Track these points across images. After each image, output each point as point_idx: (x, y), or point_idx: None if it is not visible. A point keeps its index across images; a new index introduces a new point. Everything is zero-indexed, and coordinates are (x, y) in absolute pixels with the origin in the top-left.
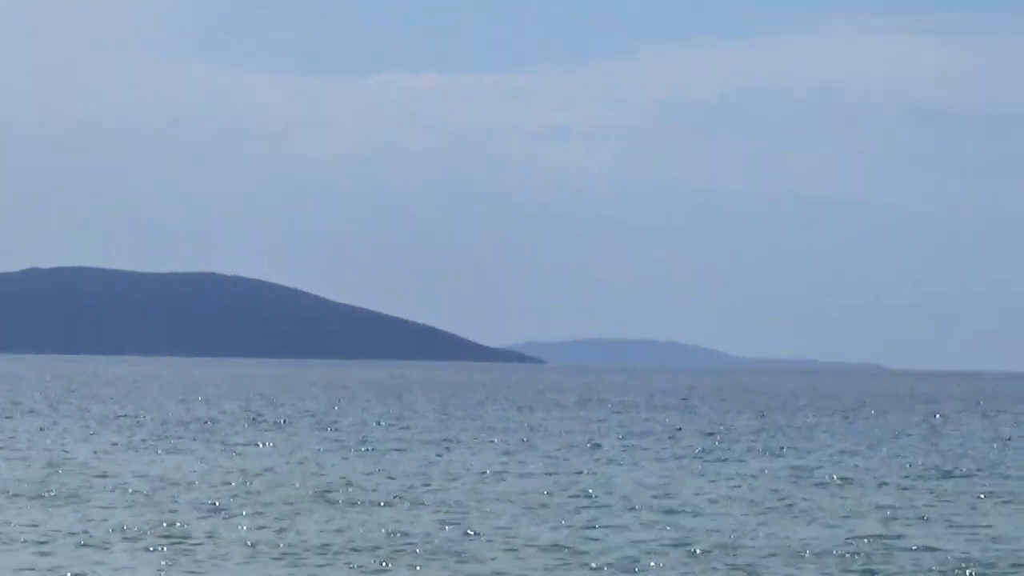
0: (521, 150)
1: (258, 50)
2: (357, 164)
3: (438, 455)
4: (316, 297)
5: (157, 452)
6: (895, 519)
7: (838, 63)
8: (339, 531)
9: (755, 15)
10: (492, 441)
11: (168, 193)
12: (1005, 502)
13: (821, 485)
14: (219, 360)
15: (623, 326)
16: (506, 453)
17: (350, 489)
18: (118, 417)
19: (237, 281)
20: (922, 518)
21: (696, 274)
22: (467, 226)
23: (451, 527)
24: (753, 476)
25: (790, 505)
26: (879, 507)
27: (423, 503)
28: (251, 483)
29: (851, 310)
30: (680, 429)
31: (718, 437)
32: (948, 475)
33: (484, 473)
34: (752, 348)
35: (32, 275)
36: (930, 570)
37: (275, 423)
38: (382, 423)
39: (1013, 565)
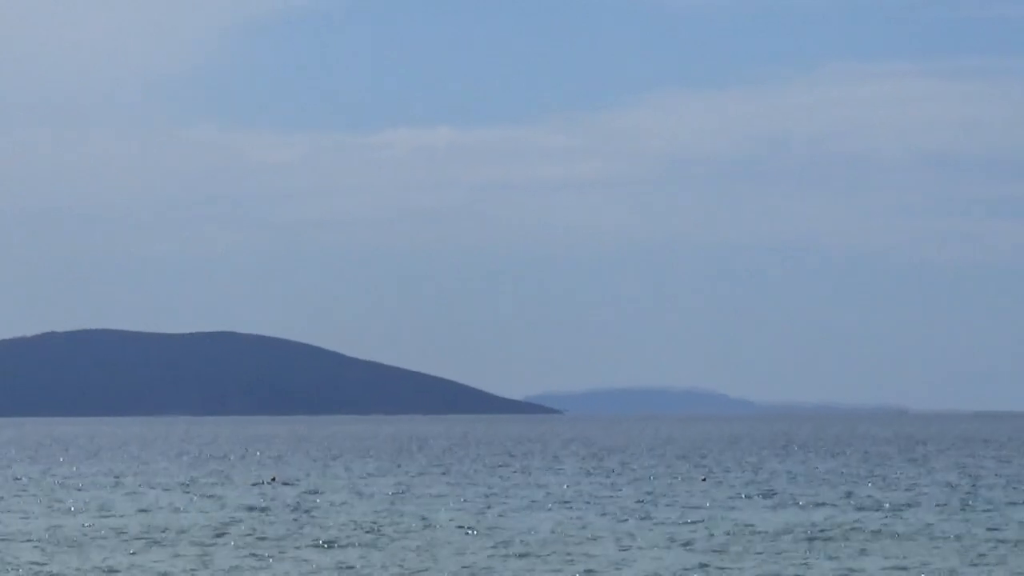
0: (536, 204)
1: (268, 111)
2: (373, 221)
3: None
4: (335, 354)
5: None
6: None
7: (843, 110)
8: None
9: (760, 63)
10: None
11: (184, 254)
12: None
13: None
14: (239, 419)
15: (640, 375)
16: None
17: None
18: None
19: (256, 340)
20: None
21: (711, 322)
22: (483, 280)
23: None
24: None
25: None
26: None
27: None
28: None
29: (871, 355)
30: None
31: None
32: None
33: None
34: (770, 394)
35: (49, 339)
36: None
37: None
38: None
39: None
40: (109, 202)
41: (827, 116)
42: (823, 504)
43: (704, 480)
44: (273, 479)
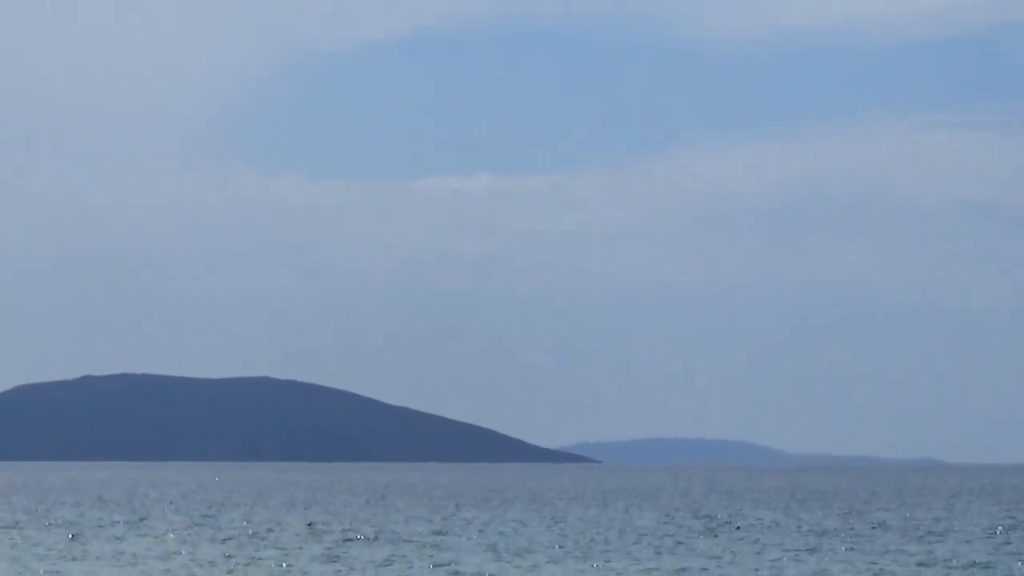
0: (573, 251)
1: (306, 155)
2: (410, 268)
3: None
4: (371, 400)
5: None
6: None
7: (885, 160)
8: None
9: (800, 111)
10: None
11: (221, 298)
12: None
13: None
14: (274, 465)
15: (674, 425)
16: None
17: None
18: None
19: (291, 385)
20: None
21: (748, 372)
22: (520, 328)
23: None
24: None
25: None
26: None
27: None
28: None
29: (907, 406)
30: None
31: None
32: None
33: None
34: (805, 445)
35: (87, 383)
36: None
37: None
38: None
39: None
40: (145, 245)
41: (869, 165)
42: (836, 558)
43: (739, 528)
44: (310, 524)
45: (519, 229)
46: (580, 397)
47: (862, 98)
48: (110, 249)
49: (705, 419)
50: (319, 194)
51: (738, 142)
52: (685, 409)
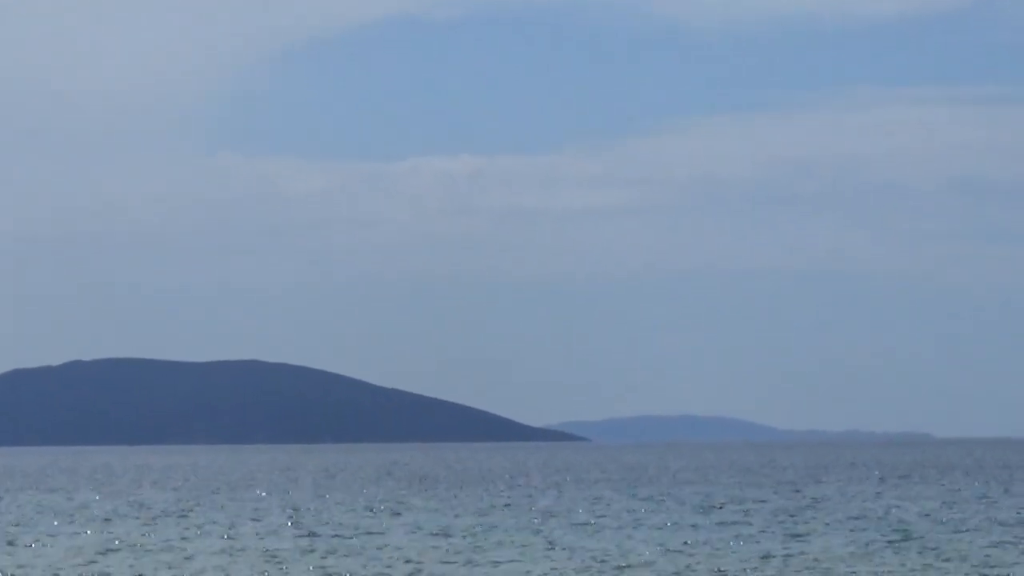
0: (559, 231)
1: (292, 140)
2: (397, 249)
3: None
4: (359, 382)
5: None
6: None
7: (872, 134)
8: None
9: (786, 88)
10: None
11: (210, 282)
12: None
13: None
14: (266, 447)
15: (665, 403)
16: None
17: None
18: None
19: (280, 368)
20: None
21: (736, 349)
22: (507, 308)
23: None
24: None
25: None
26: None
27: None
28: None
29: (896, 380)
30: None
31: None
32: None
33: None
34: (796, 421)
35: (74, 368)
36: None
37: None
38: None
39: None
40: (133, 230)
41: (854, 141)
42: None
43: (721, 508)
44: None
45: (503, 209)
46: (568, 376)
47: (846, 76)
48: (98, 235)
49: (695, 397)
50: (305, 178)
51: (724, 121)
52: (674, 387)
